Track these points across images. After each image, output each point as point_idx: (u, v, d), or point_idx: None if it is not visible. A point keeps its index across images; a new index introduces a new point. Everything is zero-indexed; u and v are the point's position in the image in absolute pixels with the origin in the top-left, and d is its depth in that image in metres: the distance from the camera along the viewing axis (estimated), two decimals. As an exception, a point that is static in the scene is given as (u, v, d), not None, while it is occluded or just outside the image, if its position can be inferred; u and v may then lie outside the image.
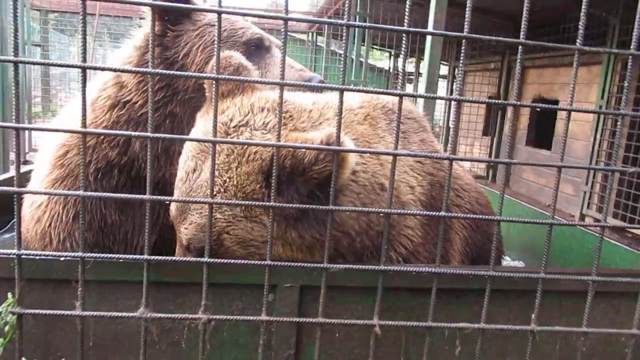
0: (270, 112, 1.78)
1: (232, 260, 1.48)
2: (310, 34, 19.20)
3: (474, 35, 1.36)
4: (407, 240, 2.05)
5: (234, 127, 1.75)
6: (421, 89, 6.78)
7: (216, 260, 1.43)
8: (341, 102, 1.34)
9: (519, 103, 1.43)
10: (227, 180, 1.69)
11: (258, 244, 1.75)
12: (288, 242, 1.74)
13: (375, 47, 18.24)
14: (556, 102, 10.86)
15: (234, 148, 1.70)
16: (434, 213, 1.58)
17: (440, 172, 2.22)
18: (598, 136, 9.28)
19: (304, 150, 1.56)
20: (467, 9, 1.31)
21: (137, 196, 1.47)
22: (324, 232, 1.70)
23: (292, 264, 1.45)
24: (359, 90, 1.57)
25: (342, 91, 1.34)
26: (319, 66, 16.87)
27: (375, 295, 1.46)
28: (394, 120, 2.13)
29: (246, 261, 1.52)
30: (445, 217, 1.43)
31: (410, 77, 19.85)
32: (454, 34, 1.36)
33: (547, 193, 11.00)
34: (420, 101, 6.61)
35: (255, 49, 2.28)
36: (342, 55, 1.44)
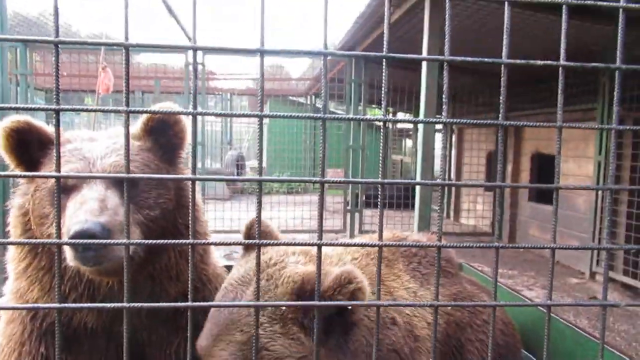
0: (300, 255, 2.13)
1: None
2: (308, 97, 19.62)
3: (433, 120, 1.33)
4: None
5: (273, 263, 2.05)
6: (419, 142, 7.21)
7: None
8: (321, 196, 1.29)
9: (508, 184, 1.38)
10: (267, 300, 1.93)
11: None
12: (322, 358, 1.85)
13: (373, 105, 18.52)
14: (554, 157, 10.86)
15: (272, 275, 1.96)
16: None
17: (457, 313, 2.40)
18: (599, 191, 9.20)
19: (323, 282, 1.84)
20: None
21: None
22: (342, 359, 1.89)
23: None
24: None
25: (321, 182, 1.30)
26: (318, 126, 17.10)
27: None
28: (413, 262, 2.45)
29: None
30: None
31: (409, 132, 20.15)
32: (419, 120, 1.33)
33: (554, 249, 10.79)
34: (419, 151, 6.86)
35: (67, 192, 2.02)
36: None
